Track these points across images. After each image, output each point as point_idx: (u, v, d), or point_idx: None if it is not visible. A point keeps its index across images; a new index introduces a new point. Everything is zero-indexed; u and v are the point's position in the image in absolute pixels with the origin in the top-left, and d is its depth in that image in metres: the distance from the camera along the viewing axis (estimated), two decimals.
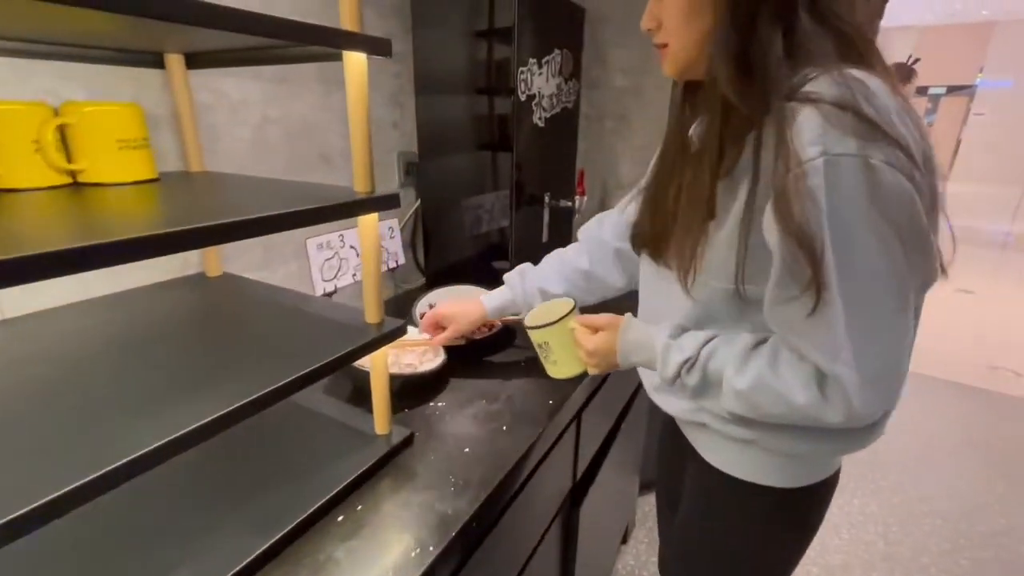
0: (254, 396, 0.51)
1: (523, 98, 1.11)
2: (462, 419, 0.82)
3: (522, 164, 1.17)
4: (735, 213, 0.54)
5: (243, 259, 0.95)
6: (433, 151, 1.25)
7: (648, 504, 1.86)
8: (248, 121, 0.92)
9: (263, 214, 0.49)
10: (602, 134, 1.42)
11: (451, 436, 0.78)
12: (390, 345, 0.67)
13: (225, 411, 0.48)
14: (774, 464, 0.65)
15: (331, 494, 0.62)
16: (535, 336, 0.78)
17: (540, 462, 0.83)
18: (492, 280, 1.21)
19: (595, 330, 0.73)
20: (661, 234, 0.65)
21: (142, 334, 0.64)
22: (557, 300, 0.84)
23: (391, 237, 1.12)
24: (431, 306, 1.13)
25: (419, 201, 1.29)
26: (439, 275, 1.34)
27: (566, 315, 0.76)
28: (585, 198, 1.25)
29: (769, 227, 0.49)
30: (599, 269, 0.89)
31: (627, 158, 1.41)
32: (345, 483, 0.64)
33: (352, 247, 1.02)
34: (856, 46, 0.51)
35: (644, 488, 1.85)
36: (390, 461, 0.71)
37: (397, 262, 1.15)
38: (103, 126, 0.64)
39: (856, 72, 0.47)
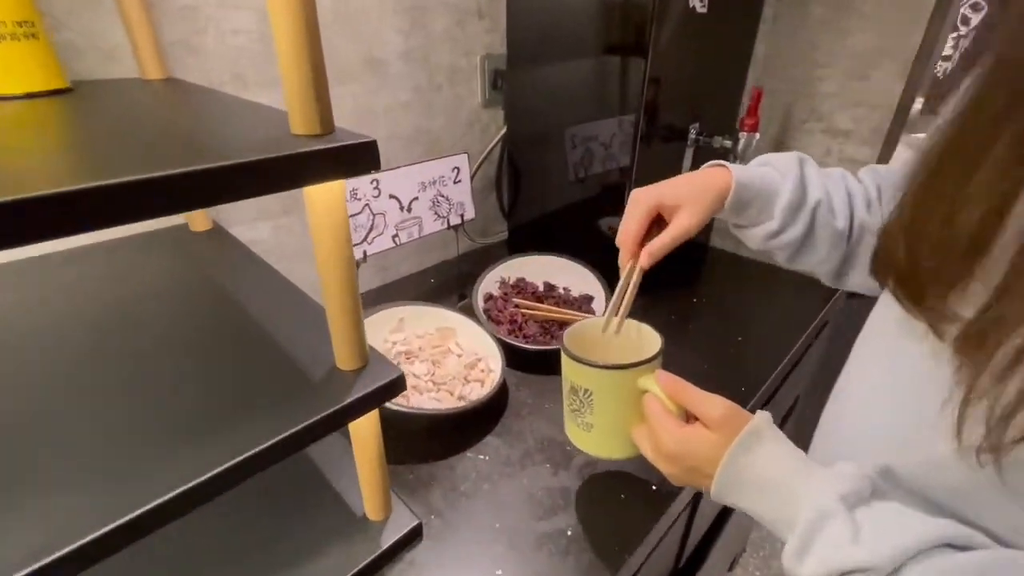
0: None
1: None
2: (506, 498, 0.53)
3: (661, 77, 0.74)
4: None
5: (241, 208, 0.70)
6: (529, 54, 0.86)
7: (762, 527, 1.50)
8: (250, 3, 0.63)
9: None
10: (800, 28, 0.89)
11: (483, 532, 0.50)
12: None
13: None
14: None
15: None
16: (575, 375, 0.44)
17: None
18: (598, 251, 0.85)
19: (688, 417, 0.40)
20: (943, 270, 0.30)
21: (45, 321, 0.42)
22: (630, 323, 0.48)
23: (455, 182, 0.80)
24: (502, 283, 0.82)
25: (506, 127, 0.94)
26: (525, 231, 1.01)
27: (646, 361, 0.42)
28: (757, 136, 0.79)
29: None
30: (869, 244, 0.47)
31: (839, 71, 0.87)
32: None
33: (393, 197, 0.72)
34: None
35: None
36: (378, 571, 0.45)
37: (462, 216, 0.83)
38: None
39: None
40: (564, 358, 0.45)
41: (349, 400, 0.36)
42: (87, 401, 0.36)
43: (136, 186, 0.24)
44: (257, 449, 0.32)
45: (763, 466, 0.35)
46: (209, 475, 0.30)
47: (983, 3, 1.32)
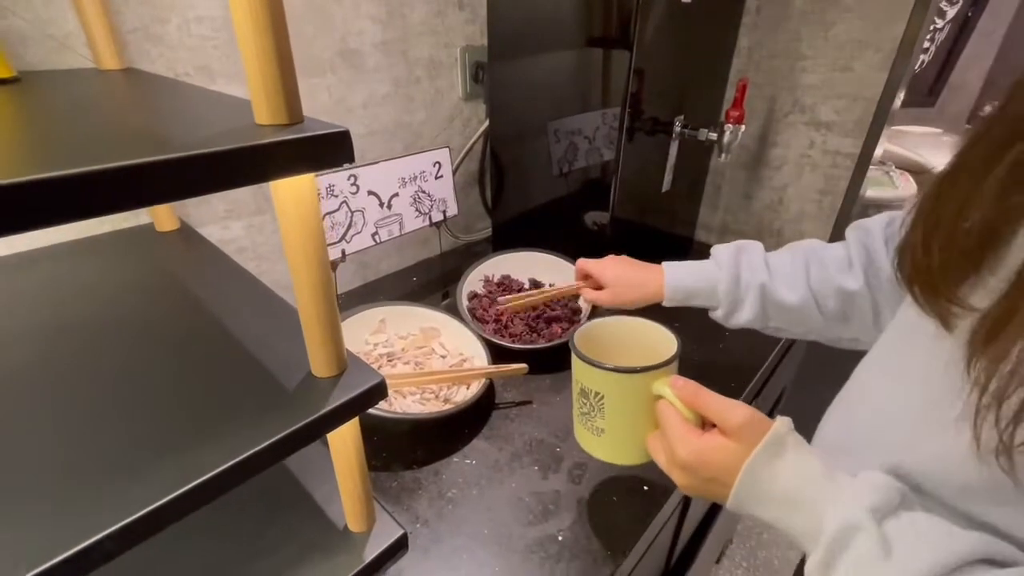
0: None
1: None
2: (495, 504, 0.51)
3: (646, 68, 0.73)
4: None
5: (211, 206, 0.67)
6: (511, 46, 0.84)
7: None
8: None
9: None
10: (783, 20, 0.89)
11: (471, 540, 0.48)
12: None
13: None
14: None
15: None
16: (585, 377, 0.43)
17: None
18: (581, 247, 0.83)
19: (705, 423, 0.38)
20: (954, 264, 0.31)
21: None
22: (644, 323, 0.48)
23: (436, 177, 0.78)
24: (486, 280, 0.80)
25: (488, 121, 0.91)
26: (509, 227, 0.99)
27: (661, 365, 0.40)
28: (743, 128, 0.78)
29: None
30: (864, 304, 0.50)
31: (823, 63, 0.87)
32: None
33: (372, 193, 0.69)
34: None
35: None
36: None
37: (445, 212, 0.81)
38: None
39: None
40: (574, 358, 0.43)
41: (326, 409, 0.34)
42: (37, 416, 0.33)
43: (78, 180, 0.21)
44: (223, 467, 0.29)
45: (786, 476, 0.33)
46: (168, 498, 0.28)
47: None
